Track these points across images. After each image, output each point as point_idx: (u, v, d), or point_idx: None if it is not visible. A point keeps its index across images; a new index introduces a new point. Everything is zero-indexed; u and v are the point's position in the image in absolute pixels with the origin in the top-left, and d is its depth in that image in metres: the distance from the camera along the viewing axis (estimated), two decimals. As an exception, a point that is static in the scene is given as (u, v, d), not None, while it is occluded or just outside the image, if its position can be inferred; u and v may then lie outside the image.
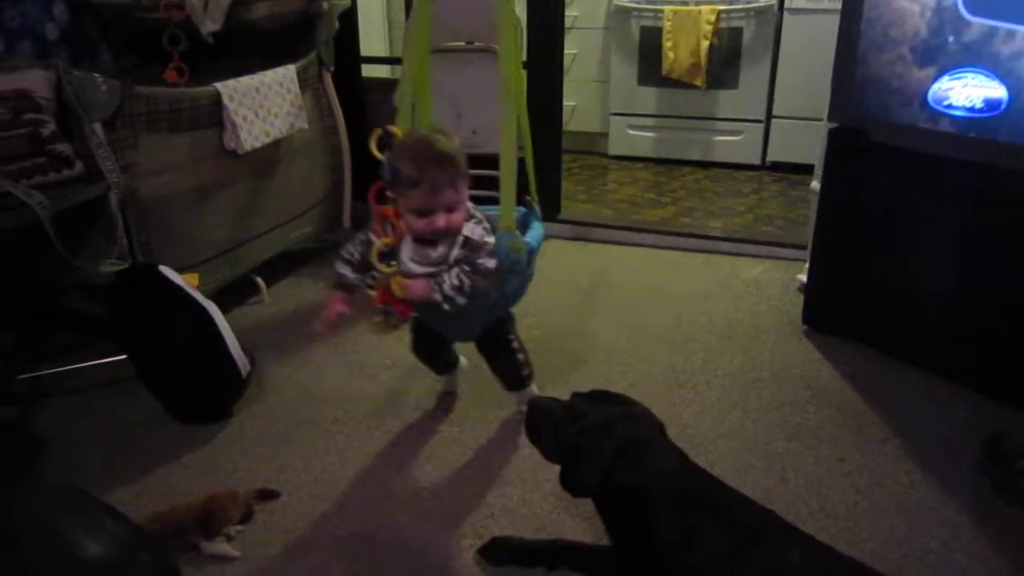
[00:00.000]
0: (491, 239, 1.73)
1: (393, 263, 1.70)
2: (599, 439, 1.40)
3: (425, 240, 1.69)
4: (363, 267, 1.76)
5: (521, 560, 1.58)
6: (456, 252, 1.69)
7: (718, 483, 1.42)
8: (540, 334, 2.45)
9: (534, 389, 2.03)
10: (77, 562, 1.19)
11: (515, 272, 1.81)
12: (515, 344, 1.95)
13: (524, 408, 1.95)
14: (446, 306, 1.68)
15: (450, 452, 1.95)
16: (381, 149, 1.77)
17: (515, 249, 1.76)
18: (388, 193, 1.71)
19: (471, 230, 1.69)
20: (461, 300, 1.68)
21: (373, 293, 1.75)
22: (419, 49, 2.00)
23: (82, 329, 2.45)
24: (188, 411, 2.08)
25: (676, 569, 1.31)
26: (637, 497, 1.35)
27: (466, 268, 1.68)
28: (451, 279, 1.67)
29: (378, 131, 1.79)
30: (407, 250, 1.70)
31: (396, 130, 1.80)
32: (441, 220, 1.63)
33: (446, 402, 2.12)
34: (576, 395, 1.51)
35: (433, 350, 2.01)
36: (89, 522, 1.26)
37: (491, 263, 1.70)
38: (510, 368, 1.97)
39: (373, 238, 1.71)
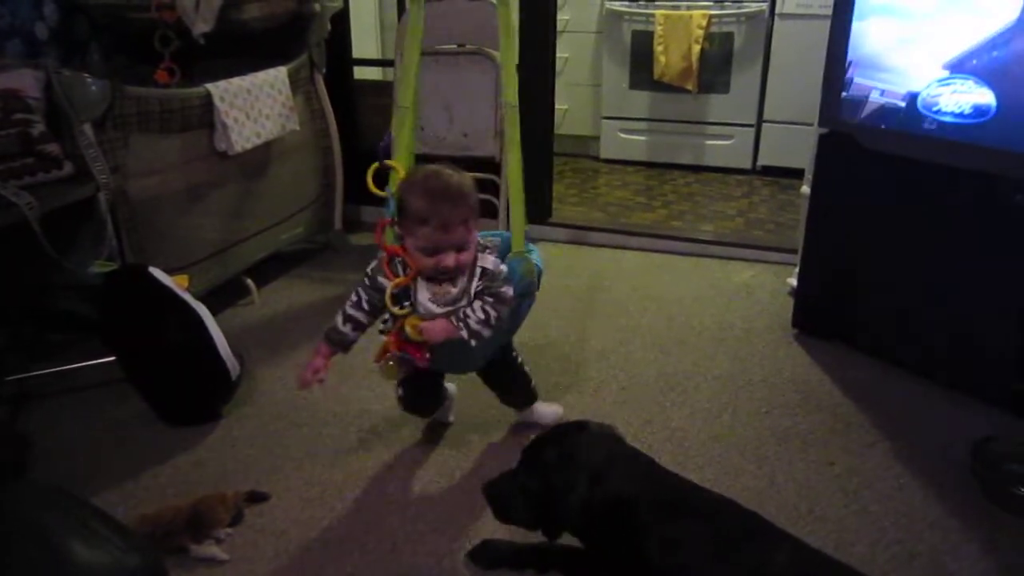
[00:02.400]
0: (504, 266, 1.68)
1: (407, 304, 1.62)
2: (567, 471, 1.39)
3: (440, 278, 1.62)
4: (374, 313, 1.67)
5: (511, 563, 1.58)
6: (475, 284, 1.62)
7: (694, 486, 1.42)
8: (530, 338, 2.45)
9: (539, 405, 2.03)
10: (64, 565, 1.18)
11: (528, 295, 1.79)
12: (520, 361, 1.93)
13: (546, 420, 2.01)
14: (473, 342, 1.61)
15: (440, 455, 1.94)
16: (379, 185, 1.75)
17: (528, 272, 1.75)
18: (396, 230, 1.64)
19: (485, 260, 1.64)
20: (487, 333, 1.62)
21: (385, 338, 1.68)
22: (413, 64, 1.90)
23: (71, 330, 2.44)
24: (177, 413, 2.07)
25: (663, 573, 1.31)
26: (618, 513, 1.35)
27: (488, 299, 1.62)
28: (476, 314, 1.60)
29: (375, 165, 1.75)
30: (423, 291, 1.61)
31: (395, 164, 1.76)
32: (450, 259, 1.56)
33: (438, 431, 2.04)
34: (524, 451, 1.51)
35: (428, 398, 1.91)
36: (77, 524, 1.25)
37: (510, 291, 1.66)
38: (522, 387, 1.95)
39: (383, 281, 1.62)
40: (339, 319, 1.68)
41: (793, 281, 2.70)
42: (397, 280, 1.61)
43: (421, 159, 3.22)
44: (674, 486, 1.42)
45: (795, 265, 2.71)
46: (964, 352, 2.14)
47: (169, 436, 2.01)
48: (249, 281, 2.76)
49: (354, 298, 1.67)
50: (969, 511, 1.74)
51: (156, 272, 2.06)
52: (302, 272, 3.04)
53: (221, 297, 2.64)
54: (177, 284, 2.08)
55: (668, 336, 2.52)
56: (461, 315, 1.60)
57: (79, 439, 2.00)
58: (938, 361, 2.20)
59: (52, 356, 2.30)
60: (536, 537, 1.66)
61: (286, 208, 2.90)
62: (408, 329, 1.61)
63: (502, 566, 1.58)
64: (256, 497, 1.77)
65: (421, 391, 1.87)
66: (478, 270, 1.63)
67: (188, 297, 2.07)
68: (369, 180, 1.75)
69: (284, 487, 1.82)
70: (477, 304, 1.62)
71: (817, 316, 2.49)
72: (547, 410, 2.04)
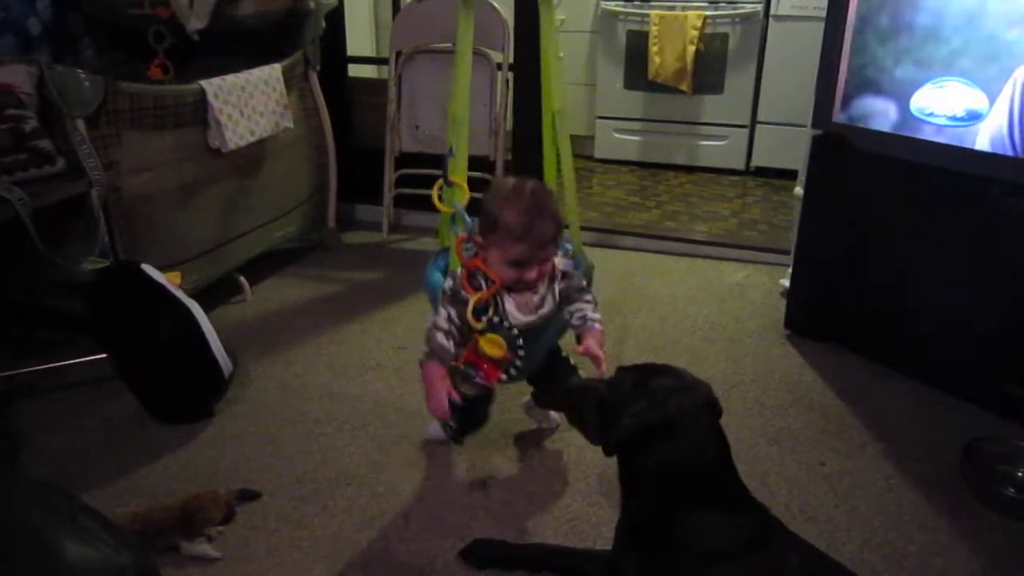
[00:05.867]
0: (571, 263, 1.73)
1: (484, 318, 1.60)
2: (643, 403, 1.34)
3: (519, 288, 1.63)
4: (461, 329, 1.62)
5: (502, 563, 1.58)
6: (557, 287, 1.66)
7: (740, 481, 1.39)
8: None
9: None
10: (55, 562, 1.18)
11: None
12: (566, 354, 1.90)
13: (549, 423, 2.01)
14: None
15: (433, 454, 1.95)
16: (442, 199, 1.77)
17: (589, 270, 1.81)
18: (476, 239, 1.63)
19: (564, 264, 1.68)
20: None
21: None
22: (465, 75, 1.91)
23: (63, 327, 2.43)
24: (169, 410, 2.06)
25: (685, 555, 1.29)
26: (668, 474, 1.32)
27: (581, 295, 1.68)
28: (593, 309, 1.67)
29: (440, 182, 1.76)
30: (509, 302, 1.62)
31: (458, 180, 1.75)
32: (534, 272, 1.58)
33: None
34: (622, 368, 1.47)
35: (481, 419, 1.85)
36: (67, 522, 1.24)
37: (584, 284, 1.72)
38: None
39: (464, 294, 1.59)
40: (439, 337, 1.60)
41: (786, 282, 2.70)
42: (479, 295, 1.59)
43: (417, 157, 3.26)
44: (727, 474, 1.38)
45: (788, 266, 2.72)
46: (955, 353, 2.15)
47: (161, 434, 2.00)
48: (242, 279, 2.75)
49: (443, 313, 1.62)
50: (959, 512, 1.75)
51: (149, 269, 2.05)
52: (295, 270, 3.04)
53: (214, 294, 2.64)
54: (170, 281, 2.07)
55: (661, 336, 2.52)
56: (588, 320, 1.65)
57: (70, 436, 2.00)
58: (929, 362, 2.21)
59: (43, 353, 2.29)
60: (528, 537, 1.67)
61: (279, 206, 2.90)
62: (485, 346, 1.61)
63: (494, 566, 1.58)
64: (248, 495, 1.76)
65: (475, 415, 1.80)
66: (558, 273, 1.67)
67: (181, 294, 2.07)
68: (435, 198, 1.77)
69: (276, 485, 1.82)
70: (586, 306, 1.68)
71: (809, 317, 2.49)
72: (554, 413, 2.03)
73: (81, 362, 2.20)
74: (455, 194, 1.77)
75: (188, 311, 2.04)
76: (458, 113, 1.83)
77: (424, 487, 1.82)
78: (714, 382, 2.21)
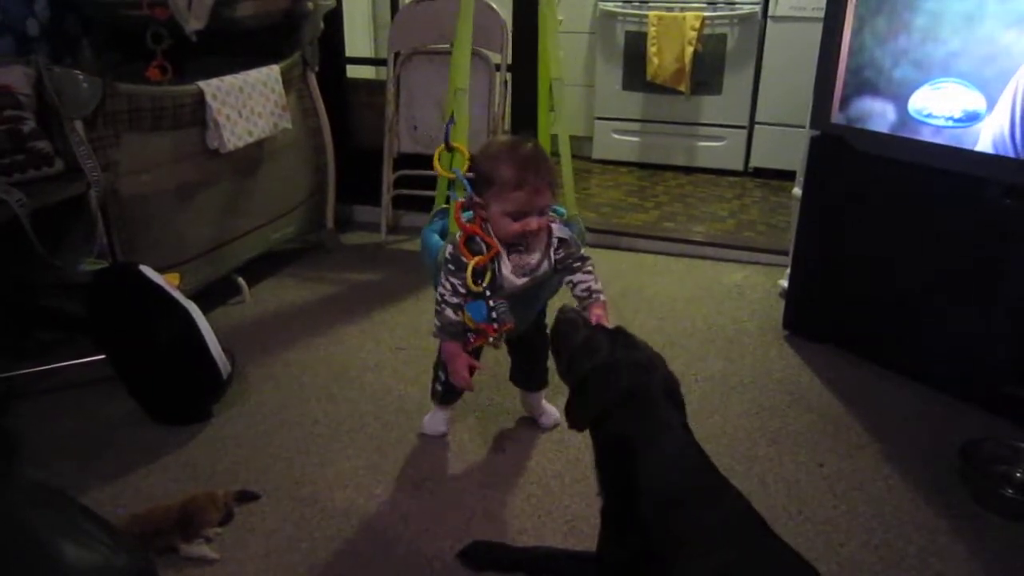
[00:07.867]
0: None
1: (480, 281, 1.64)
2: (604, 381, 1.39)
3: (519, 250, 1.67)
4: (469, 295, 1.68)
5: (501, 565, 1.58)
6: (555, 254, 1.71)
7: (711, 464, 1.35)
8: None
9: (545, 403, 2.06)
10: (53, 564, 1.18)
11: None
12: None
13: (545, 420, 2.04)
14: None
15: (431, 455, 1.95)
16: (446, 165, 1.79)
17: (582, 235, 1.86)
18: (475, 200, 1.66)
19: (560, 231, 1.72)
20: None
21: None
22: (466, 46, 1.94)
23: (61, 328, 2.43)
24: (167, 412, 2.06)
25: (658, 539, 1.27)
26: (629, 451, 1.33)
27: (582, 264, 1.72)
28: (594, 279, 1.71)
29: (441, 148, 1.80)
30: (505, 264, 1.66)
31: (460, 146, 1.79)
32: (534, 222, 1.62)
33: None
34: (600, 329, 1.51)
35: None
36: (65, 523, 1.24)
37: (583, 253, 1.76)
38: (544, 359, 1.94)
39: (463, 259, 1.64)
40: (449, 313, 1.67)
41: (784, 283, 2.71)
42: (478, 258, 1.63)
43: (415, 158, 3.25)
44: (691, 454, 1.35)
45: (786, 267, 2.72)
46: (953, 354, 2.15)
47: (159, 435, 2.00)
48: (240, 280, 2.75)
49: (448, 287, 1.67)
50: (957, 513, 1.75)
51: (147, 270, 2.05)
52: (293, 271, 3.03)
53: (212, 296, 2.63)
54: (168, 282, 2.07)
55: (659, 337, 2.52)
56: (593, 293, 1.69)
57: (68, 438, 2.00)
58: (927, 363, 2.21)
59: (41, 354, 2.29)
60: (526, 538, 1.67)
61: (278, 207, 2.90)
62: (466, 319, 1.67)
63: (492, 568, 1.58)
64: (246, 496, 1.76)
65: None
66: (555, 240, 1.71)
67: (179, 295, 2.07)
68: (436, 163, 1.80)
69: (274, 486, 1.82)
70: (588, 278, 1.71)
71: (808, 318, 2.50)
72: (551, 409, 2.05)
73: (79, 363, 2.20)
74: (455, 159, 1.80)
75: (187, 312, 2.04)
76: (459, 84, 1.89)
77: (423, 488, 1.82)
78: (712, 383, 2.25)
